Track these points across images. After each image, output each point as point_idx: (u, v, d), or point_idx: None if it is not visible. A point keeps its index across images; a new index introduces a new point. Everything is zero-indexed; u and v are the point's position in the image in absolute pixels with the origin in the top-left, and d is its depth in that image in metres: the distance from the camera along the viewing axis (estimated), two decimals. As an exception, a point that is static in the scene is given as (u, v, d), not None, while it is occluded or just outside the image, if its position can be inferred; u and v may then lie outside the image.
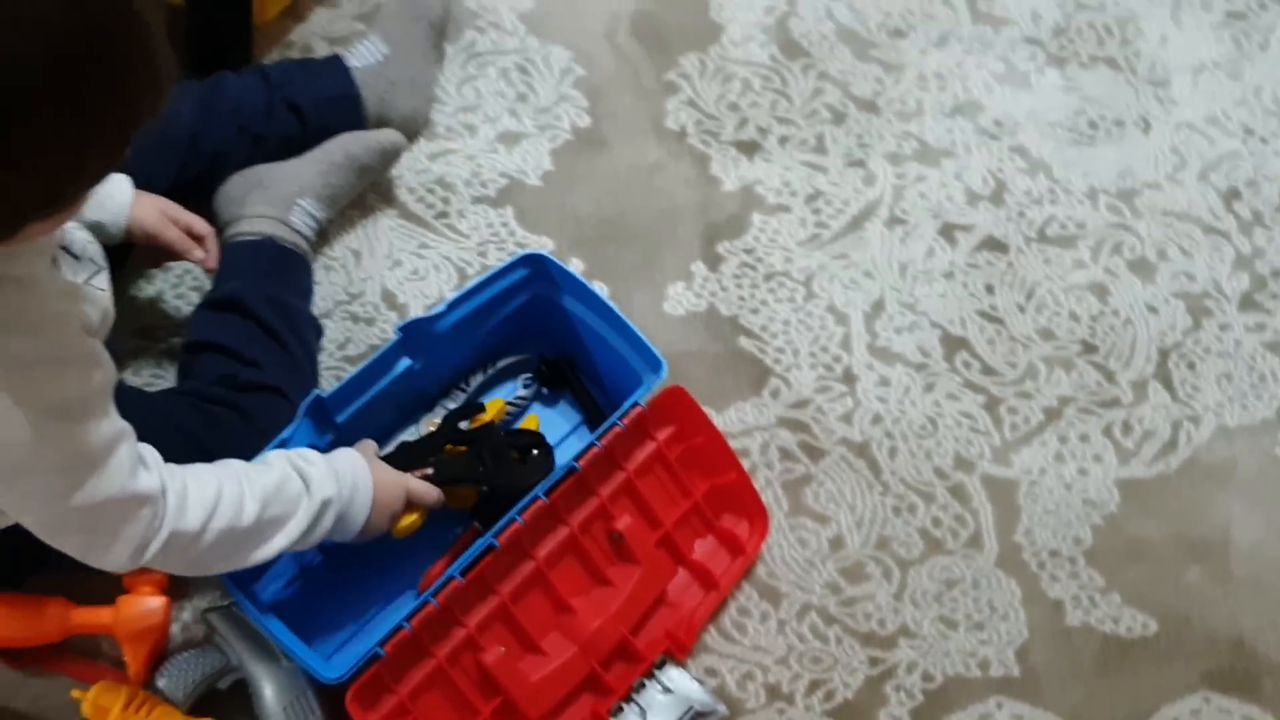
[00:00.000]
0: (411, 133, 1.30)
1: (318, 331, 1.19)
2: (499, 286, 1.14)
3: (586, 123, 1.36)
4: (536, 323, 1.18)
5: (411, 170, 1.30)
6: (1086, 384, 1.31)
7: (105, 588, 1.02)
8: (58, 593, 1.03)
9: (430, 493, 1.05)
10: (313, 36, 1.35)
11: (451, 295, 1.13)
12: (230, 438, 1.05)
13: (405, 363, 1.10)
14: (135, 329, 1.17)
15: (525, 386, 1.20)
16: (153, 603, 1.03)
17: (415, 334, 1.09)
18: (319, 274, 1.22)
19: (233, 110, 1.20)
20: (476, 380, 1.19)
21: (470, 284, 1.12)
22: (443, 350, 1.13)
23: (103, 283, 0.97)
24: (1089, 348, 1.33)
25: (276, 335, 1.12)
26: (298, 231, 1.19)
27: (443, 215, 1.29)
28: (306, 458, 0.96)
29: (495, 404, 1.16)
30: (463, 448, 1.09)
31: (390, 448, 1.10)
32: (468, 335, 1.14)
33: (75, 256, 0.93)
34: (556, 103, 1.36)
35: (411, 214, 1.28)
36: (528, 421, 1.18)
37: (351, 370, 1.15)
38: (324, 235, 1.24)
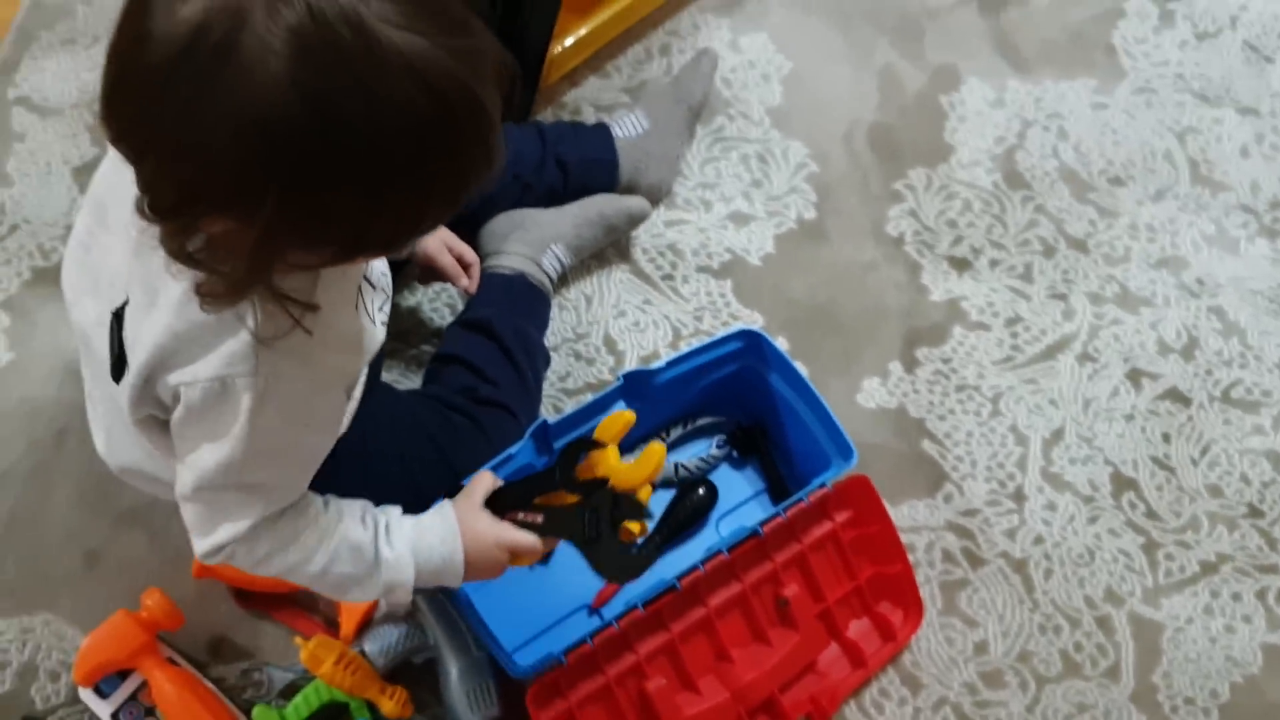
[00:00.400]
0: (655, 200, 1.43)
1: (546, 361, 1.32)
2: (715, 354, 1.25)
3: (812, 215, 1.47)
4: (740, 391, 1.28)
5: (648, 233, 1.43)
6: (1247, 546, 1.36)
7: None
8: (294, 550, 1.17)
9: (533, 549, 1.01)
10: (583, 101, 1.49)
11: (672, 354, 1.25)
12: (462, 444, 1.18)
13: (620, 405, 1.22)
14: (393, 332, 1.31)
15: (719, 447, 1.31)
16: (370, 575, 1.17)
17: (634, 382, 1.21)
18: (554, 311, 1.36)
19: (511, 159, 1.33)
20: (676, 432, 1.31)
21: (690, 347, 1.24)
22: (654, 400, 1.24)
23: (387, 311, 1.12)
24: (1255, 512, 1.38)
25: (515, 360, 1.26)
26: (546, 272, 1.33)
27: (668, 278, 1.41)
28: (392, 537, 0.98)
29: (619, 417, 1.02)
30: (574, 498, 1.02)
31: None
32: (678, 391, 1.25)
33: (371, 285, 1.07)
34: (787, 193, 1.48)
35: (641, 272, 1.41)
36: (638, 468, 1.01)
37: (572, 405, 1.29)
38: (564, 278, 1.38)
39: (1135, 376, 1.43)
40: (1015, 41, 1.61)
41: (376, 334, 1.01)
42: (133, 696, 1.13)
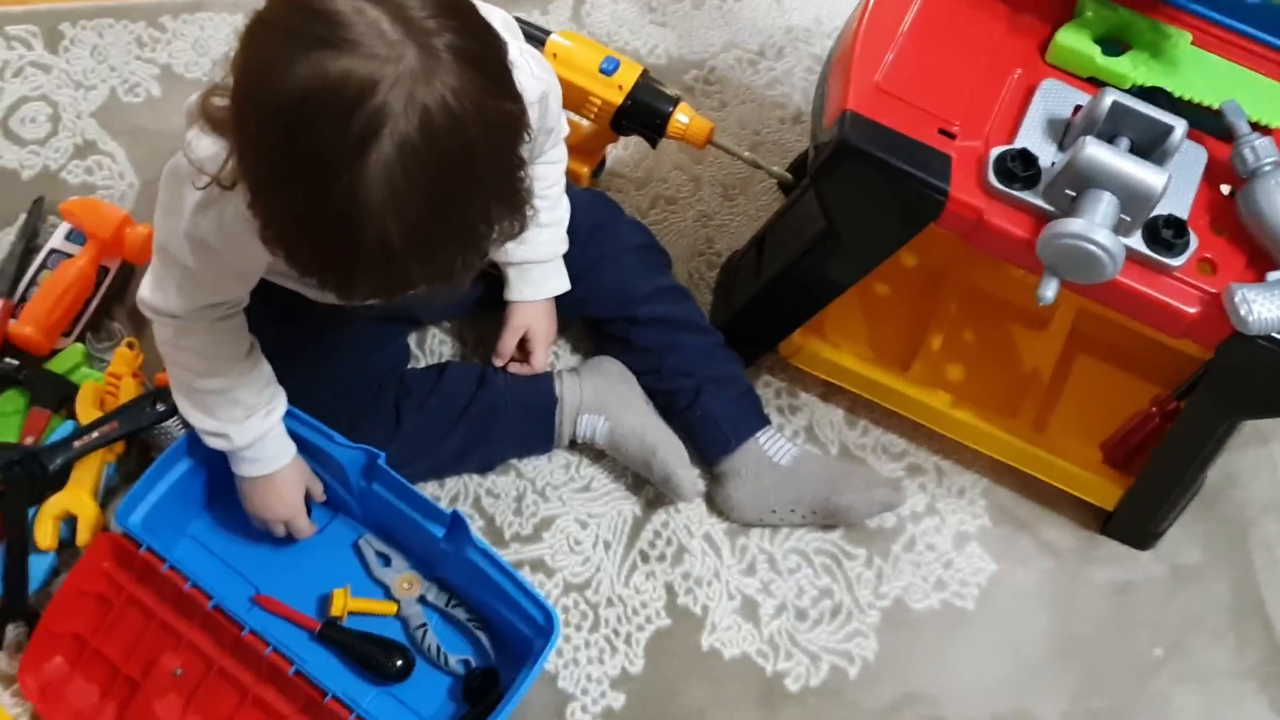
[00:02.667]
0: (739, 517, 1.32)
1: (480, 468, 1.32)
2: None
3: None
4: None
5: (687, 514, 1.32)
6: None
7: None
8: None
9: (300, 534, 1.21)
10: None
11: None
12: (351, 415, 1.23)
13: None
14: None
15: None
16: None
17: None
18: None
19: (684, 353, 1.32)
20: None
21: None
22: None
23: None
24: None
25: (455, 427, 1.26)
26: (576, 431, 1.30)
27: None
28: (268, 419, 1.13)
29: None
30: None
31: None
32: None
33: None
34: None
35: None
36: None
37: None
38: (599, 454, 1.33)
39: None
40: None
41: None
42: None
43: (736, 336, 1.35)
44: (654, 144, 1.36)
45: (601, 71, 1.31)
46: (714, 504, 1.32)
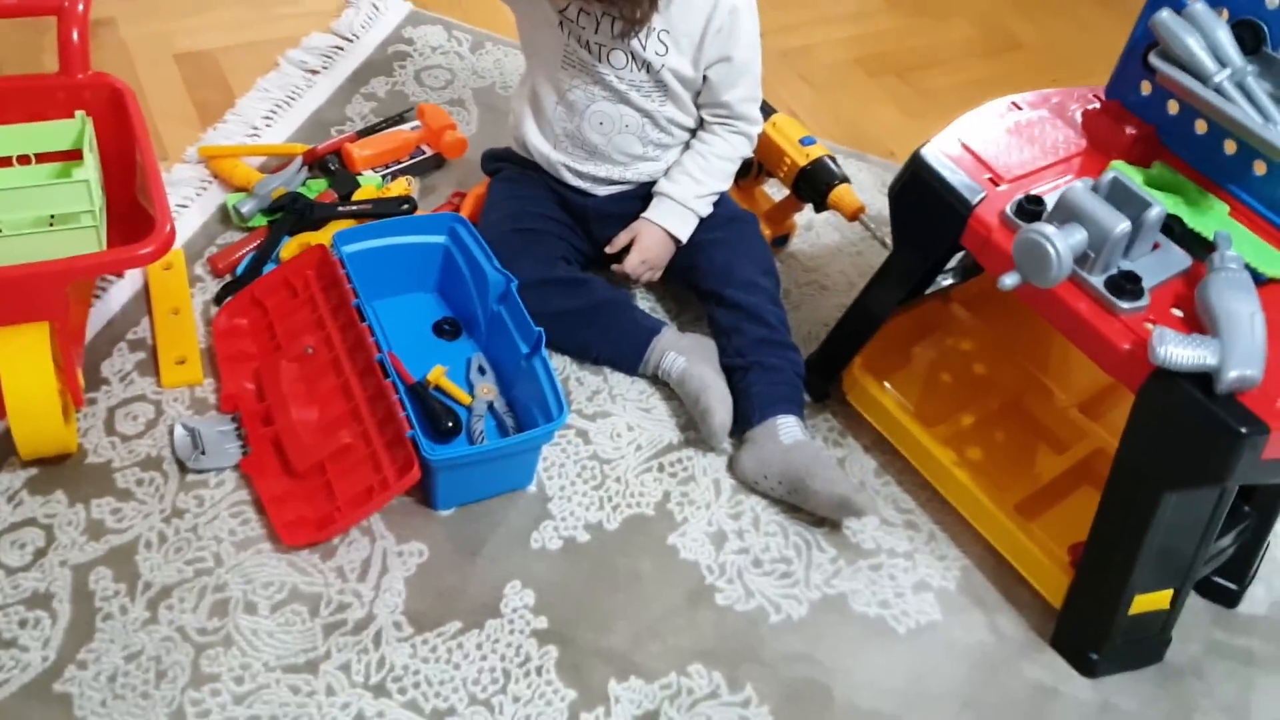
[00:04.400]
0: (744, 475, 1.56)
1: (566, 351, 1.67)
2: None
3: None
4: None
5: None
6: None
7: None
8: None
9: None
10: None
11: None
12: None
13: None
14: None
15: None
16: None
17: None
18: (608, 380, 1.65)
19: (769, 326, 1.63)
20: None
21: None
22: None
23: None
24: None
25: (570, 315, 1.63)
26: (659, 363, 1.62)
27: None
28: None
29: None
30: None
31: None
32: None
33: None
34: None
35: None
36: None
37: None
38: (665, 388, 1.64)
39: None
40: None
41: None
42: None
43: (817, 370, 1.64)
44: (818, 209, 1.74)
45: (800, 142, 1.74)
46: (731, 465, 1.58)
